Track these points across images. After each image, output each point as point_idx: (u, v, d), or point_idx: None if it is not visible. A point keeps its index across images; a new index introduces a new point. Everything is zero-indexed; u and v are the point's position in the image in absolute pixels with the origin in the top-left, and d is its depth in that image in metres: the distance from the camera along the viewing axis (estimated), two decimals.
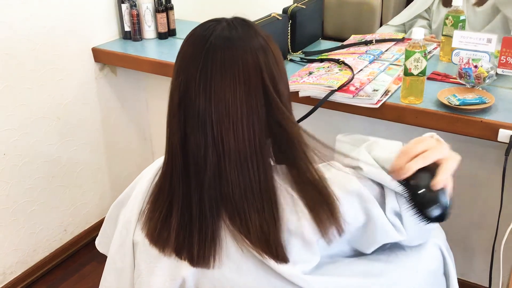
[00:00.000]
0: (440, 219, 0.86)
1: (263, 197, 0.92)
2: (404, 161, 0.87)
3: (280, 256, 0.93)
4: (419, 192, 0.85)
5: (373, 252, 1.05)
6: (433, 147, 0.87)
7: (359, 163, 0.99)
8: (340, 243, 1.02)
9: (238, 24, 0.94)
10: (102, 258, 1.23)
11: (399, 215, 1.00)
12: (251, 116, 0.90)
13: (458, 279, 1.22)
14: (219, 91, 0.90)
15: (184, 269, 0.97)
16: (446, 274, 1.17)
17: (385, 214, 0.98)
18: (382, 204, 0.98)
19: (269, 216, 0.92)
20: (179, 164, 0.94)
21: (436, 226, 1.27)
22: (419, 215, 0.86)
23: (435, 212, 0.85)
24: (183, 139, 0.93)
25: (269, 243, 0.92)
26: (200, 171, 0.92)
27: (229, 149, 0.90)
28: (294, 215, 0.93)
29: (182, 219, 0.95)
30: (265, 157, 0.92)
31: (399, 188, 0.90)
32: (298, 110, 1.09)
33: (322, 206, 0.92)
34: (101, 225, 1.26)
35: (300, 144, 0.93)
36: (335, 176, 0.96)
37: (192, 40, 0.94)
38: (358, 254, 1.05)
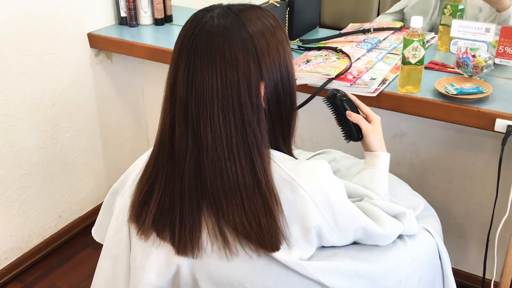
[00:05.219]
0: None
1: (242, 193, 0.91)
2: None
3: (269, 245, 0.92)
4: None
5: None
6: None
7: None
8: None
9: (227, 13, 0.92)
10: (97, 244, 1.23)
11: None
12: (228, 113, 0.89)
13: (452, 268, 1.23)
14: (199, 81, 0.89)
15: (178, 256, 0.97)
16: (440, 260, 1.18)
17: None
18: None
19: (250, 211, 0.91)
20: (167, 148, 0.95)
21: (433, 214, 1.28)
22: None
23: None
24: (173, 126, 0.93)
25: (251, 235, 0.91)
26: (181, 161, 0.92)
27: (207, 145, 0.90)
28: (289, 203, 0.93)
29: (162, 204, 0.95)
30: (246, 154, 0.91)
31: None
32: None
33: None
34: (96, 211, 1.26)
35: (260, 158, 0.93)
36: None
37: (183, 28, 0.94)
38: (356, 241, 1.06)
